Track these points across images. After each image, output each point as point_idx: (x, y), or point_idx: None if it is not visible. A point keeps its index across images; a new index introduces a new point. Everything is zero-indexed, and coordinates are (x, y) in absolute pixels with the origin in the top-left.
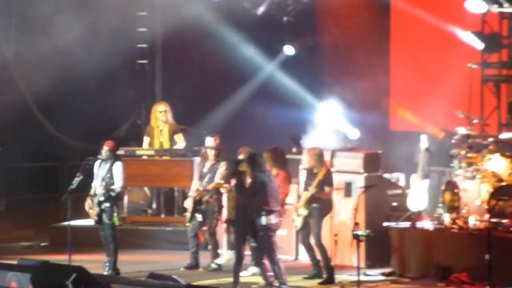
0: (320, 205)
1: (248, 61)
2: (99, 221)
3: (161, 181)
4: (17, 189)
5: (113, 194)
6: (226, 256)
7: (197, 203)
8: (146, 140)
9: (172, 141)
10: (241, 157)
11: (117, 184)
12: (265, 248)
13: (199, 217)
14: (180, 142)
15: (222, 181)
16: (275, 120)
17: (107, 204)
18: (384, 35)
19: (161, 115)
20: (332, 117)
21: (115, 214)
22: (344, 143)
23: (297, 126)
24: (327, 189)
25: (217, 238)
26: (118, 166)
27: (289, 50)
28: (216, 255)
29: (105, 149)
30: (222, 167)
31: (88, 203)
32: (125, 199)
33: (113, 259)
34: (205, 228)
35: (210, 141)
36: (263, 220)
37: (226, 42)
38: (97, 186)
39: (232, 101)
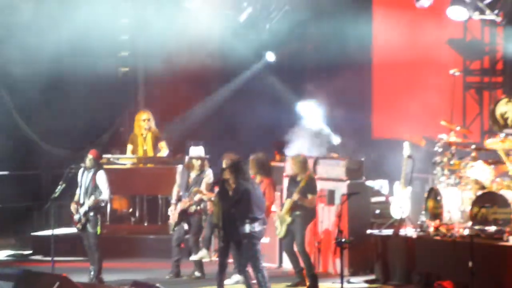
0: (303, 213)
1: (230, 66)
2: (83, 229)
3: (144, 189)
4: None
5: (102, 204)
6: (235, 278)
7: (184, 213)
8: (129, 147)
9: (155, 149)
10: (224, 164)
11: (105, 195)
12: (248, 256)
13: (185, 225)
14: (163, 150)
15: (203, 190)
16: (259, 126)
17: (92, 214)
18: (367, 42)
19: (144, 123)
20: (314, 122)
21: (99, 223)
22: (327, 149)
23: (280, 132)
24: (310, 196)
25: (201, 247)
26: (101, 175)
27: (270, 56)
28: (198, 264)
29: (89, 158)
30: (207, 177)
31: (73, 207)
32: (108, 207)
33: (97, 268)
34: (188, 236)
35: (195, 150)
36: (247, 228)
37: (209, 49)
38: (81, 195)
39: (214, 108)
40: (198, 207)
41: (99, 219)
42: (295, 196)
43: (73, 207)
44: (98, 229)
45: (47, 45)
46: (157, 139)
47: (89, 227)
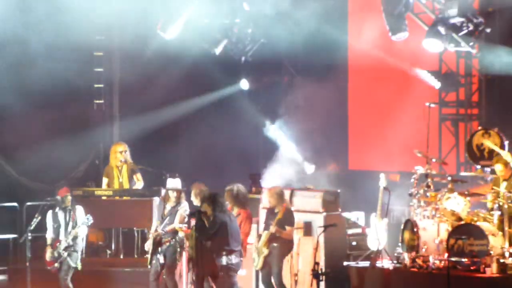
0: (280, 245)
1: (204, 96)
2: (61, 265)
3: (120, 222)
4: None
5: (82, 236)
6: None
7: (157, 244)
8: (105, 180)
9: (131, 181)
10: (192, 193)
11: (84, 230)
12: None
13: (160, 258)
14: (139, 182)
15: (181, 225)
16: (235, 155)
17: (72, 249)
18: (343, 74)
19: (120, 155)
20: (288, 150)
21: (79, 258)
22: (300, 179)
23: (256, 161)
24: (287, 228)
25: (176, 279)
26: (80, 211)
27: (244, 84)
28: None
29: (67, 197)
30: (182, 209)
31: (49, 251)
32: (84, 239)
33: None
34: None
35: (171, 182)
36: (224, 260)
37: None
38: (60, 233)
39: (189, 139)
40: (173, 240)
41: (79, 255)
42: (273, 229)
43: (49, 251)
44: (79, 265)
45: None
46: (133, 171)
47: (70, 262)
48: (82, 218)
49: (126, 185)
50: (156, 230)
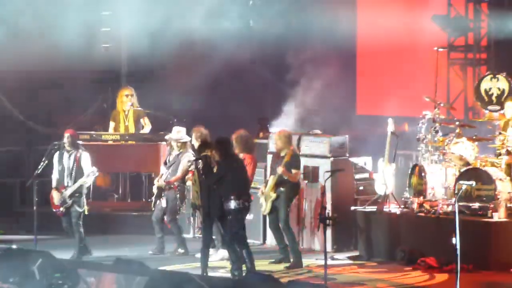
0: (287, 189)
1: (214, 41)
2: (67, 211)
3: (127, 166)
4: None
5: (87, 185)
6: (220, 254)
7: (161, 189)
8: (111, 124)
9: (137, 125)
10: (193, 136)
11: (90, 178)
12: (233, 232)
13: (163, 202)
14: (146, 126)
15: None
16: (241, 103)
17: (77, 195)
18: (351, 19)
19: (127, 99)
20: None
21: (85, 203)
22: (310, 126)
23: (264, 108)
24: (294, 171)
25: (179, 224)
26: (86, 157)
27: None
28: (181, 240)
29: (67, 137)
30: (185, 159)
31: (56, 194)
32: (91, 183)
33: (79, 246)
34: (166, 215)
35: (175, 131)
36: (232, 204)
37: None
38: (64, 178)
39: (197, 85)
40: (175, 186)
41: (84, 199)
42: (280, 169)
43: (55, 194)
44: (86, 209)
45: (27, 19)
46: (139, 116)
47: (76, 207)
48: (88, 168)
49: (132, 130)
50: (159, 180)
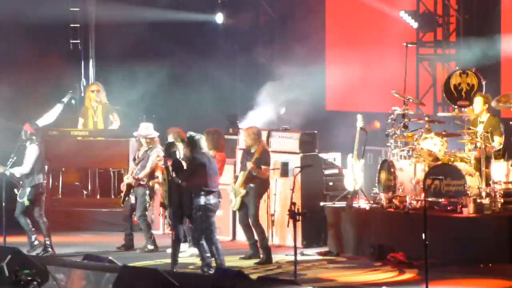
0: (257, 185)
1: (182, 35)
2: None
3: (96, 163)
4: None
5: (17, 176)
6: (190, 251)
7: (130, 186)
8: (80, 121)
9: (106, 121)
10: (170, 137)
11: (23, 169)
12: (203, 228)
13: (132, 198)
14: (116, 122)
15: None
16: (212, 96)
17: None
18: (319, 14)
19: (93, 95)
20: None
21: (27, 195)
22: (278, 121)
23: (233, 103)
24: (264, 167)
25: (148, 220)
26: (30, 150)
27: (219, 18)
28: (149, 237)
29: (23, 131)
30: (153, 155)
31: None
32: (60, 180)
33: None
34: (135, 211)
35: (143, 127)
36: (202, 200)
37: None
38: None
39: (167, 79)
40: (145, 182)
41: (26, 190)
42: (249, 165)
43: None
44: (26, 201)
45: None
46: (108, 111)
47: (18, 198)
48: (27, 158)
49: (101, 126)
50: (132, 174)
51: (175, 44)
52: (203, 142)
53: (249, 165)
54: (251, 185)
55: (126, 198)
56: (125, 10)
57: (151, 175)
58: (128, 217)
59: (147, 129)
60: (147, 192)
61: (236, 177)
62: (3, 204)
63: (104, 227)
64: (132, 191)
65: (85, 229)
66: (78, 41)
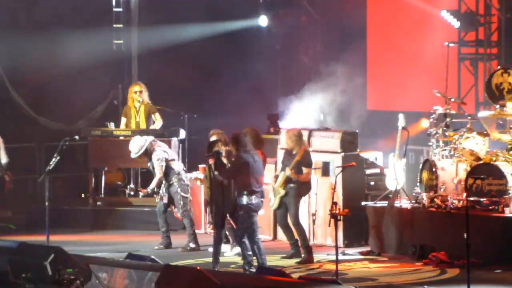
0: (297, 185)
1: (223, 37)
2: None
3: (138, 162)
4: None
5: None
6: (235, 250)
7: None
8: (123, 120)
9: (148, 121)
10: (213, 138)
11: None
12: (245, 227)
13: (164, 198)
14: (157, 122)
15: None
16: (251, 99)
17: None
18: (361, 14)
19: (136, 95)
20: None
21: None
22: (321, 121)
23: (273, 105)
24: (305, 170)
25: (192, 217)
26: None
27: (263, 21)
28: (191, 233)
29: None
30: (154, 159)
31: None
32: (103, 179)
33: None
34: (175, 209)
35: (131, 143)
36: (244, 199)
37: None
38: None
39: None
40: (175, 179)
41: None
42: (288, 171)
43: None
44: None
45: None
46: (150, 111)
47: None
48: None
49: (143, 125)
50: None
51: (218, 47)
52: (248, 141)
53: (288, 171)
54: (291, 185)
55: (160, 196)
56: (166, 32)
57: (178, 172)
58: (161, 215)
59: (134, 148)
60: (178, 189)
61: (276, 177)
62: (46, 203)
63: (147, 226)
64: (164, 189)
65: (127, 228)
66: (122, 41)
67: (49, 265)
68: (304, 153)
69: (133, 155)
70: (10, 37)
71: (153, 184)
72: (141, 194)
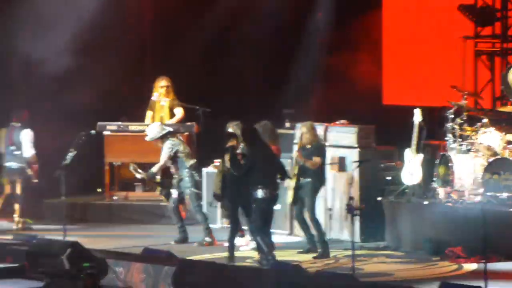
0: (313, 180)
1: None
2: None
3: (153, 156)
4: None
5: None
6: (252, 244)
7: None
8: (149, 114)
9: (173, 116)
10: (230, 130)
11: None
12: (259, 221)
13: (173, 193)
14: (177, 116)
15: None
16: (266, 93)
17: None
18: (377, 8)
19: (162, 90)
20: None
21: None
22: (335, 116)
23: (289, 100)
24: (315, 158)
25: (204, 211)
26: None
27: None
28: (206, 228)
29: None
30: (165, 147)
31: None
32: (119, 173)
33: None
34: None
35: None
36: (259, 193)
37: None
38: None
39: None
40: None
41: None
42: (295, 153)
43: None
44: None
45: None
46: (174, 106)
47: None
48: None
49: (167, 119)
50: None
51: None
52: (261, 135)
53: (295, 153)
54: (307, 179)
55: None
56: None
57: (185, 167)
58: (173, 210)
59: (151, 133)
60: (189, 184)
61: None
62: (63, 197)
63: (163, 220)
64: (173, 185)
65: (144, 222)
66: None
67: (66, 259)
68: (317, 144)
69: (147, 138)
70: None
71: (154, 168)
72: (138, 175)
